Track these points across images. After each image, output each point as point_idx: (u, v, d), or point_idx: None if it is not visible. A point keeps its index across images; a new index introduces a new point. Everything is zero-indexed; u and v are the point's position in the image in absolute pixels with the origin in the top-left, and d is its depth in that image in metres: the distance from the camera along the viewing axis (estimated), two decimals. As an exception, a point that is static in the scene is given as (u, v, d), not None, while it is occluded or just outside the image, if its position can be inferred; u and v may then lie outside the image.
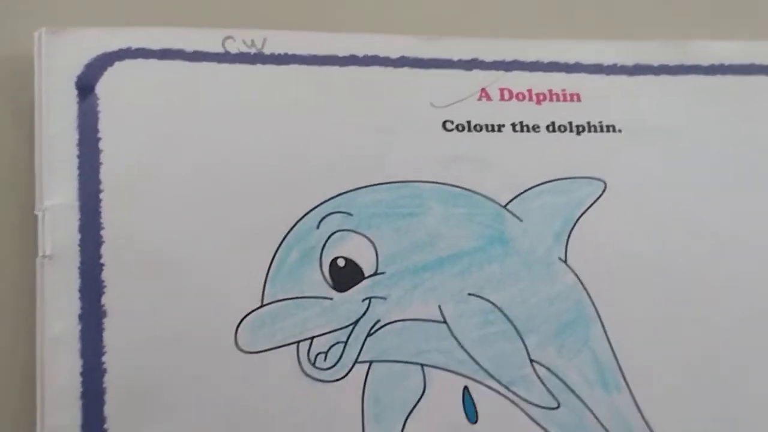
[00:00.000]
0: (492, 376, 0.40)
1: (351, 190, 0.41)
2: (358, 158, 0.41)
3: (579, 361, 0.40)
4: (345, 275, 0.40)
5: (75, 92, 0.40)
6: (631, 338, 0.41)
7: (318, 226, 0.41)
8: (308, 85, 0.42)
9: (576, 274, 0.41)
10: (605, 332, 0.41)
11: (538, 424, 0.40)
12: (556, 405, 0.40)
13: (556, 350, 0.40)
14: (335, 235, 0.41)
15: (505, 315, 0.41)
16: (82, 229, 0.39)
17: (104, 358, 0.38)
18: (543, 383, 0.40)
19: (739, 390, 0.41)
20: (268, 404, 0.39)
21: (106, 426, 0.37)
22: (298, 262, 0.40)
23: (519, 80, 0.43)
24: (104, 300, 0.38)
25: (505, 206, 0.42)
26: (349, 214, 0.41)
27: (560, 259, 0.41)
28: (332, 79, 0.42)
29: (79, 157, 0.39)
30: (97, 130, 0.39)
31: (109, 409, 0.37)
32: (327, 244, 0.40)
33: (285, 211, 0.41)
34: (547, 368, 0.40)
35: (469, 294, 0.41)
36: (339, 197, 0.41)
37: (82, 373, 0.37)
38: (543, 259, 0.41)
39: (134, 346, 0.38)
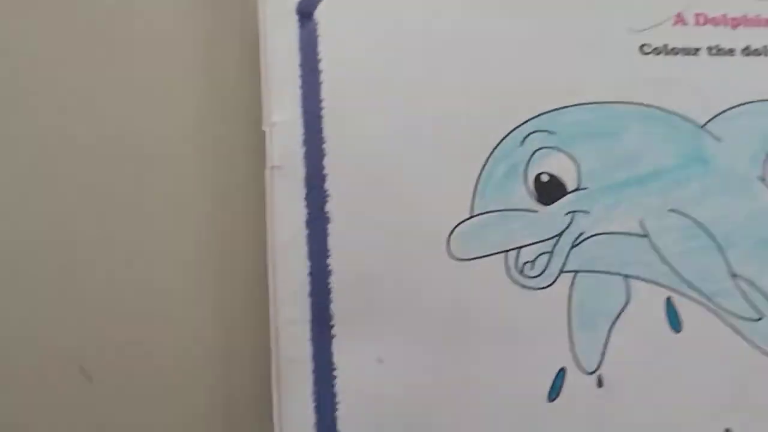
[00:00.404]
0: (695, 288, 0.41)
1: (553, 110, 0.42)
2: (559, 80, 0.42)
3: (780, 275, 0.40)
4: (549, 190, 0.42)
5: (296, 18, 0.43)
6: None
7: (522, 144, 0.42)
8: (510, 10, 0.43)
9: (775, 192, 0.40)
10: (807, 248, 0.40)
11: (741, 334, 0.40)
12: (758, 317, 0.40)
13: (757, 264, 0.41)
14: (539, 152, 0.42)
15: (706, 230, 0.42)
16: (306, 142, 0.41)
17: (329, 261, 0.40)
18: (745, 295, 0.40)
19: None
20: (479, 308, 0.40)
21: (333, 322, 0.39)
22: (504, 177, 0.41)
23: (714, 5, 0.44)
24: (328, 207, 0.40)
25: (702, 127, 0.43)
26: (552, 132, 0.42)
27: (759, 178, 0.41)
28: (532, 4, 0.43)
29: (301, 77, 0.42)
30: (317, 53, 0.42)
31: (335, 307, 0.40)
32: (531, 161, 0.42)
33: (491, 129, 0.42)
34: (749, 281, 0.41)
35: (670, 210, 0.42)
36: (541, 116, 0.42)
37: (310, 274, 0.40)
38: (742, 178, 0.42)
39: (356, 250, 0.40)
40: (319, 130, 0.41)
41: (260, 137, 0.41)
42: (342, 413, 0.38)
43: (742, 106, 0.43)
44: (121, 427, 0.41)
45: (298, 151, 0.41)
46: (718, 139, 0.43)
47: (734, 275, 0.41)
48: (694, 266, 0.41)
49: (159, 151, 0.43)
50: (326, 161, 0.41)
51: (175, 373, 0.40)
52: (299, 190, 0.41)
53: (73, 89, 0.43)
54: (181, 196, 0.42)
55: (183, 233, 0.42)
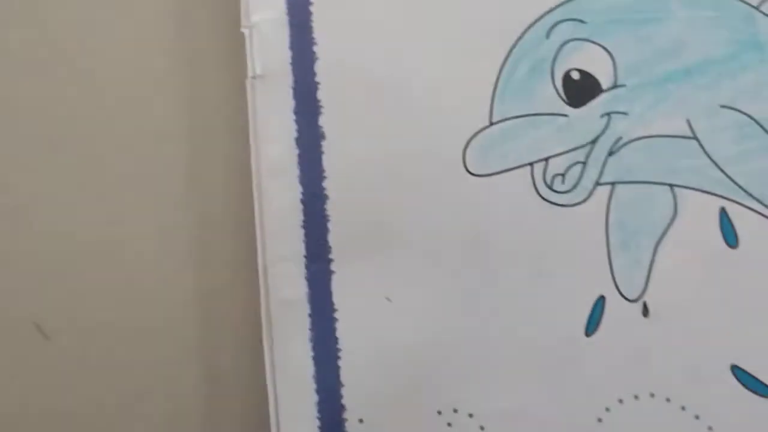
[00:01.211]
0: (752, 196, 0.36)
1: (582, -6, 0.35)
2: (588, -41, 0.36)
3: None
4: (581, 89, 0.36)
5: None
6: None
7: (548, 36, 0.36)
8: None
9: None
10: None
11: (809, 247, 0.34)
12: (828, 227, 0.34)
13: (826, 166, 0.35)
14: (568, 45, 0.36)
15: (764, 128, 0.36)
16: (294, 46, 0.36)
17: (325, 184, 0.35)
18: (812, 203, 0.35)
19: None
20: (502, 230, 0.35)
21: (331, 256, 0.35)
22: (528, 76, 0.36)
23: None
24: (322, 121, 0.35)
25: (756, 7, 0.37)
26: (582, 21, 0.37)
27: (825, 64, 0.35)
28: None
29: (284, -35, 0.35)
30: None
31: (333, 238, 0.35)
32: (559, 56, 0.36)
33: (510, 20, 0.36)
34: (817, 186, 0.35)
35: (722, 106, 0.36)
36: (569, 3, 0.37)
37: (302, 200, 0.35)
38: (805, 65, 0.35)
39: (356, 170, 0.35)
40: (309, 29, 0.36)
41: (239, 41, 0.35)
42: (345, 362, 0.34)
43: (804, -19, 0.36)
44: (84, 384, 0.36)
45: (284, 56, 0.36)
46: (776, 20, 0.35)
47: (799, 179, 0.34)
48: (751, 170, 0.36)
49: (125, 71, 0.37)
50: (318, 66, 0.36)
51: (148, 323, 0.36)
52: (287, 103, 0.35)
53: None
54: (152, 117, 0.37)
55: (154, 159, 0.37)
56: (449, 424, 0.34)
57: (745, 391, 0.35)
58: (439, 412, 0.34)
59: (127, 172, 0.36)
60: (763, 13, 0.37)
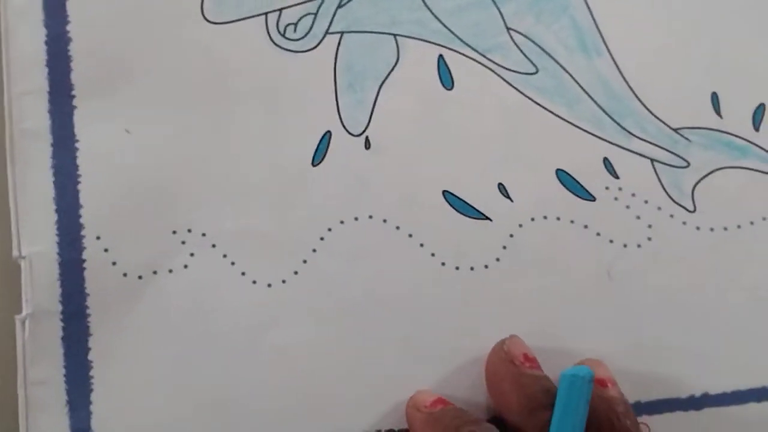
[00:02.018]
0: (467, 45, 0.40)
1: None
2: None
3: (558, 27, 0.40)
4: (313, -52, 0.37)
5: None
6: (612, 1, 0.40)
7: None
8: None
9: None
10: (585, -1, 0.38)
11: (515, 88, 0.39)
12: (534, 70, 0.39)
13: (534, 17, 0.40)
14: None
15: (480, -16, 0.38)
16: None
17: (69, 27, 0.37)
18: (520, 49, 0.39)
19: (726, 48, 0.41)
20: (237, 73, 0.38)
21: (73, 93, 0.37)
22: (264, -64, 0.37)
23: None
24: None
25: None
26: None
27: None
28: None
29: None
30: None
31: (75, 77, 0.37)
32: None
33: None
34: (525, 35, 0.40)
35: (442, -37, 0.38)
36: None
37: (46, 42, 0.37)
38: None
39: (98, 14, 0.38)
40: None
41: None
42: (85, 186, 0.36)
43: None
44: None
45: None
46: None
47: (509, 29, 0.39)
48: (467, 22, 0.40)
49: None
50: None
51: None
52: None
53: None
54: None
55: None
56: (183, 242, 0.36)
57: (455, 212, 0.38)
58: (174, 232, 0.36)
59: None
60: None
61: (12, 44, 0.37)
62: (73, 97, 0.37)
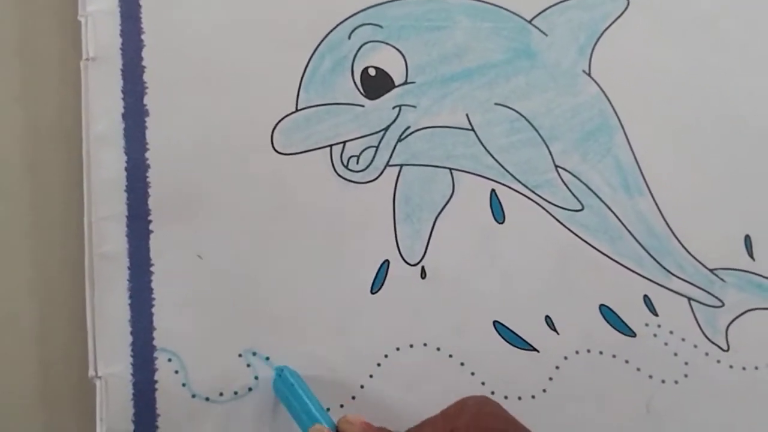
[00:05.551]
0: (518, 180, 0.42)
1: (380, 3, 0.42)
2: (388, -27, 0.41)
3: (602, 167, 0.42)
4: (376, 84, 0.41)
5: None
6: (654, 145, 0.43)
7: (349, 37, 0.41)
8: None
9: (599, 86, 0.42)
10: (627, 140, 0.42)
11: (563, 224, 0.41)
12: (580, 207, 0.41)
13: (580, 156, 0.42)
14: (366, 45, 0.41)
15: (531, 123, 0.42)
16: (124, 33, 0.40)
17: (147, 155, 0.39)
18: (567, 187, 0.41)
19: (759, 194, 0.43)
20: (303, 203, 0.40)
21: (150, 218, 0.38)
22: (331, 71, 0.41)
23: None
24: (146, 100, 0.39)
25: (530, 21, 0.43)
26: (379, 26, 0.41)
27: (584, 71, 0.42)
28: None
29: (118, -37, 0.39)
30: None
31: (152, 202, 0.39)
32: (358, 54, 0.41)
33: (317, 21, 0.41)
34: (571, 173, 0.42)
35: (496, 104, 0.42)
36: (369, 10, 0.42)
37: (126, 168, 0.39)
38: (567, 72, 0.42)
39: (176, 144, 0.39)
40: (138, 20, 0.40)
41: (76, 28, 0.39)
42: (158, 308, 0.38)
43: (570, 0, 0.43)
44: None
45: (115, 41, 0.40)
46: (545, 33, 0.43)
47: (558, 167, 0.41)
48: (518, 159, 0.42)
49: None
50: (145, 52, 0.40)
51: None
52: (116, 82, 0.39)
53: None
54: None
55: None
56: (248, 365, 0.38)
57: (505, 343, 0.40)
58: (240, 355, 0.38)
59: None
60: (535, 26, 0.42)
61: (94, 170, 0.38)
62: (150, 222, 0.38)
